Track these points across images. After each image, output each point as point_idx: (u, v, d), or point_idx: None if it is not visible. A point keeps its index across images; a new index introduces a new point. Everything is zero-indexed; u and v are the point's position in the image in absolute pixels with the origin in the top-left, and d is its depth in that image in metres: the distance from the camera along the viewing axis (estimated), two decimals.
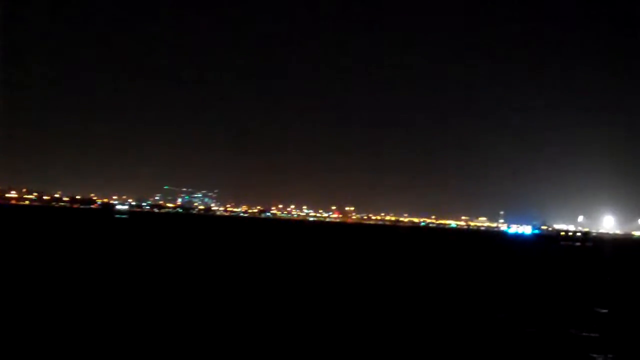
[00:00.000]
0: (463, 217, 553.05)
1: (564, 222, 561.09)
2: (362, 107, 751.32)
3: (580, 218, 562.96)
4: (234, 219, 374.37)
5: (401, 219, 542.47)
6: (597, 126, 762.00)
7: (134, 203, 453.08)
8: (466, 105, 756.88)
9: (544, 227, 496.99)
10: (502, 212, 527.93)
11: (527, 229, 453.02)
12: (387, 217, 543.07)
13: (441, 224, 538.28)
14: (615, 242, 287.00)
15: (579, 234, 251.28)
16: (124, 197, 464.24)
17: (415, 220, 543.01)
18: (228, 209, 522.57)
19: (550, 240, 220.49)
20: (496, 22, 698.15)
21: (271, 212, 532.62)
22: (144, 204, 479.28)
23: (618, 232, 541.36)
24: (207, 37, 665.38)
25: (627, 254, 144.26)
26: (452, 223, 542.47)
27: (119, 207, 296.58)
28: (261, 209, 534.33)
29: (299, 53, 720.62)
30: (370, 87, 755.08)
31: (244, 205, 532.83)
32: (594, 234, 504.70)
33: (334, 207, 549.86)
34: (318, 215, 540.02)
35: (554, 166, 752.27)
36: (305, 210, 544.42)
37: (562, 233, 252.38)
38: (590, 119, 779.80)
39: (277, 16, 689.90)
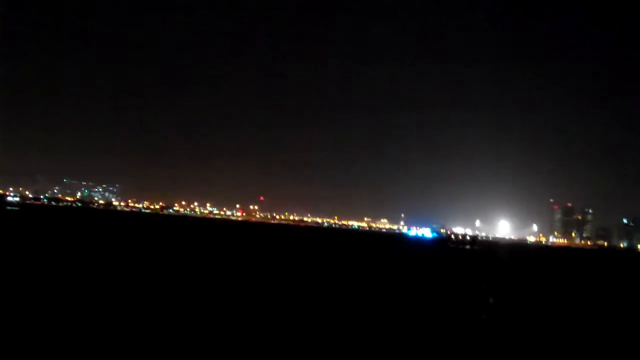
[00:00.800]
0: (366, 219, 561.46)
1: (462, 226, 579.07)
2: (264, 107, 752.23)
3: (478, 222, 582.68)
4: (134, 214, 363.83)
5: (305, 219, 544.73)
6: (494, 136, 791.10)
7: (31, 195, 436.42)
8: (371, 110, 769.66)
9: (442, 231, 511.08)
10: (403, 215, 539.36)
11: (426, 232, 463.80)
12: (291, 217, 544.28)
13: (344, 224, 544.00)
14: (505, 247, 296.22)
15: (467, 237, 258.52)
16: (21, 189, 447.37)
17: (319, 220, 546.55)
18: (130, 204, 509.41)
19: (442, 243, 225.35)
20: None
21: (174, 208, 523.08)
22: (41, 196, 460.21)
23: (513, 237, 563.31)
24: None
25: (509, 258, 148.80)
26: (355, 224, 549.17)
27: (10, 199, 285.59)
28: (163, 205, 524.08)
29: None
30: (265, 86, 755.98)
31: (146, 201, 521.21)
32: (490, 239, 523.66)
33: (238, 206, 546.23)
34: (222, 213, 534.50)
35: (454, 172, 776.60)
36: (209, 208, 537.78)
37: (452, 236, 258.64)
38: (487, 129, 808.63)
39: None
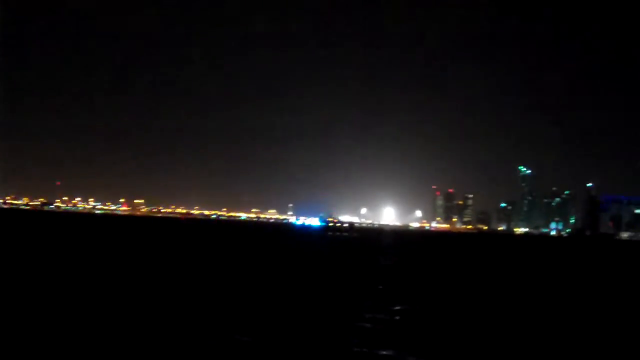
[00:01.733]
0: (254, 210, 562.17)
1: (349, 214, 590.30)
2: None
3: (364, 210, 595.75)
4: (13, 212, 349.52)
5: (192, 211, 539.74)
6: (375, 125, 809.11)
7: None
8: (258, 102, 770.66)
9: (330, 219, 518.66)
10: (291, 205, 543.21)
11: (314, 221, 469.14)
12: (178, 210, 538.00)
13: (232, 216, 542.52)
14: (388, 233, 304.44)
15: (345, 225, 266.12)
16: None
17: (207, 212, 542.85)
18: (8, 201, 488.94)
19: (325, 231, 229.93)
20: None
21: (55, 204, 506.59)
22: None
23: (398, 223, 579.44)
24: None
25: (385, 242, 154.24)
26: (243, 215, 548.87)
27: None
28: (44, 201, 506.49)
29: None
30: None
31: (25, 197, 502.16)
32: (376, 225, 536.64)
33: (122, 200, 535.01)
34: (105, 207, 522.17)
35: (340, 161, 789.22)
36: (92, 203, 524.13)
37: (330, 224, 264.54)
38: (368, 118, 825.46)
39: None
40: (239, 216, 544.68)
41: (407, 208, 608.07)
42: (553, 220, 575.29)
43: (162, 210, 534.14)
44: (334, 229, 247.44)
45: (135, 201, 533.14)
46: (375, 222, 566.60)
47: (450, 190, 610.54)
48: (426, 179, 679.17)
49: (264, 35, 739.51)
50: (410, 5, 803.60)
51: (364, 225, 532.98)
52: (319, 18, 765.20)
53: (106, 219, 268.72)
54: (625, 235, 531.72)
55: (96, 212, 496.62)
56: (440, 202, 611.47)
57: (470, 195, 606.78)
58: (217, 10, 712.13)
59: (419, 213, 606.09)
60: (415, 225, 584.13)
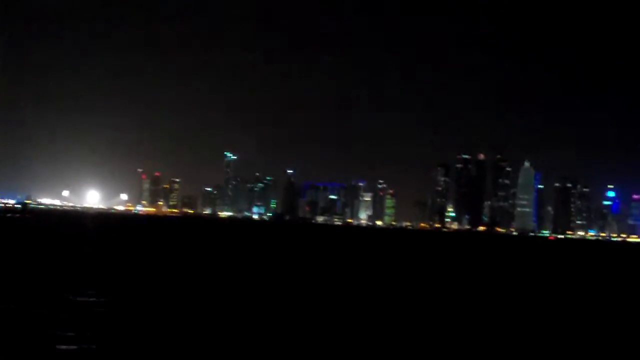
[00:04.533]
0: None
1: (50, 197, 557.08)
2: None
3: (66, 193, 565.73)
4: None
5: None
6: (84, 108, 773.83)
7: None
8: None
9: (29, 201, 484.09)
10: None
11: (12, 202, 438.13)
12: None
13: None
14: (86, 216, 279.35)
15: (18, 206, 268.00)
16: None
17: None
18: None
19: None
20: None
21: None
22: None
23: (102, 206, 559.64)
24: None
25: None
26: None
27: None
28: None
29: None
30: None
31: None
32: (79, 208, 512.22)
33: None
34: None
35: (41, 143, 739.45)
36: None
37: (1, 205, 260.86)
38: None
39: None
40: None
41: (112, 191, 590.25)
42: (256, 205, 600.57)
43: None
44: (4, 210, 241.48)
45: None
46: (78, 205, 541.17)
47: (157, 173, 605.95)
48: (132, 161, 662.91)
49: None
50: None
51: (64, 207, 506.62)
52: None
53: None
54: (320, 219, 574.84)
55: None
56: (146, 185, 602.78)
57: (177, 179, 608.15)
58: None
59: (124, 196, 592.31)
60: (120, 208, 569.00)
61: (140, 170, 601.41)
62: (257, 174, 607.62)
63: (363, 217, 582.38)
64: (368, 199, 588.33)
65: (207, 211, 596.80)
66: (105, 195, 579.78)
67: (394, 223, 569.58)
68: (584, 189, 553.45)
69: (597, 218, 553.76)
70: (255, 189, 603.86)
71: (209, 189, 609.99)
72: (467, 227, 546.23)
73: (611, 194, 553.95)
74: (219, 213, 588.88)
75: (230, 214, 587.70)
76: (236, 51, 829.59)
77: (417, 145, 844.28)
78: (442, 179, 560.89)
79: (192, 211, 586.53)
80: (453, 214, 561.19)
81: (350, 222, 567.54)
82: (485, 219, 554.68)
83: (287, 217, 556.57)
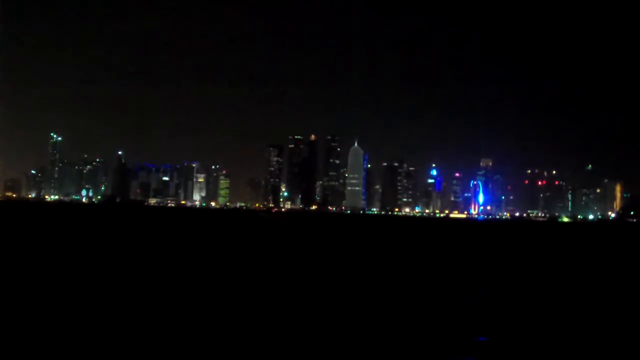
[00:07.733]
0: None
1: None
2: None
3: None
4: None
5: None
6: None
7: None
8: None
9: None
10: None
11: None
12: None
13: None
14: None
15: None
16: None
17: None
18: None
19: None
20: None
21: None
22: None
23: None
24: None
25: None
26: None
27: None
28: None
29: None
30: None
31: None
32: None
33: None
34: None
35: None
36: None
37: None
38: None
39: None
40: None
41: None
42: (84, 188, 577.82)
43: None
44: None
45: None
46: None
47: None
48: None
49: None
50: None
51: None
52: None
53: None
54: (153, 201, 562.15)
55: None
56: None
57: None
58: None
59: None
60: None
61: None
62: (85, 155, 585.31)
63: (197, 198, 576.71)
64: (202, 180, 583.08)
65: (32, 195, 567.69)
66: None
67: (228, 204, 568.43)
68: (410, 169, 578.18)
69: (422, 196, 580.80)
70: (84, 171, 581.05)
71: (34, 172, 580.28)
72: (301, 206, 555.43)
73: (434, 172, 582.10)
74: (46, 197, 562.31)
75: (57, 197, 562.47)
76: None
77: (249, 126, 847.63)
78: (275, 159, 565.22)
79: (15, 195, 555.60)
80: (287, 194, 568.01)
81: (184, 204, 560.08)
82: (318, 198, 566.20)
83: (118, 200, 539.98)
